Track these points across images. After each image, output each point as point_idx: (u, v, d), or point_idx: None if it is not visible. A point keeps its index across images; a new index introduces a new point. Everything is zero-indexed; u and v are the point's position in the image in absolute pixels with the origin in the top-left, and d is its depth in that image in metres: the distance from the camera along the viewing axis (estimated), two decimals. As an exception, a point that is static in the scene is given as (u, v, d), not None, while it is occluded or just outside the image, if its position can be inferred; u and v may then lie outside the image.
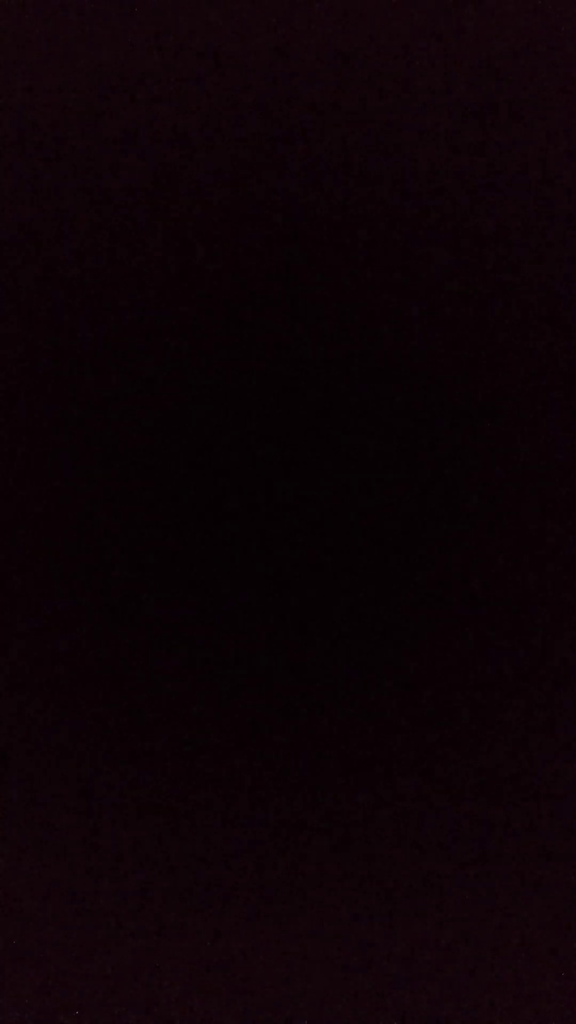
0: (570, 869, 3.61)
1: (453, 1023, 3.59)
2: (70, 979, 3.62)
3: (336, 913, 3.62)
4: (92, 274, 3.69)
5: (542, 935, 3.61)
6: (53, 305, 3.69)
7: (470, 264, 3.68)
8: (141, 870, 3.64)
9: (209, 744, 3.66)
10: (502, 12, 3.68)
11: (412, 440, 3.67)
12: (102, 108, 3.70)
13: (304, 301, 3.68)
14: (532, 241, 3.68)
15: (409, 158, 3.69)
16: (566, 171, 3.68)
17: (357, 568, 3.67)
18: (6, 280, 3.69)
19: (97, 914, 3.63)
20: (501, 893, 3.62)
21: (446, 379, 3.67)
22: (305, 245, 3.69)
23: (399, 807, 3.64)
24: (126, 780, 3.65)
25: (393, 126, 3.69)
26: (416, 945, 3.61)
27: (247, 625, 3.67)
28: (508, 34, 3.68)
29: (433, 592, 3.66)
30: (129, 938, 3.62)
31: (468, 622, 3.65)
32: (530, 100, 3.68)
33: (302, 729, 3.66)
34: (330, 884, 3.62)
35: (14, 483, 3.67)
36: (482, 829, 3.63)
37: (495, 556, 3.66)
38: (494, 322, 3.68)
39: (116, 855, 3.64)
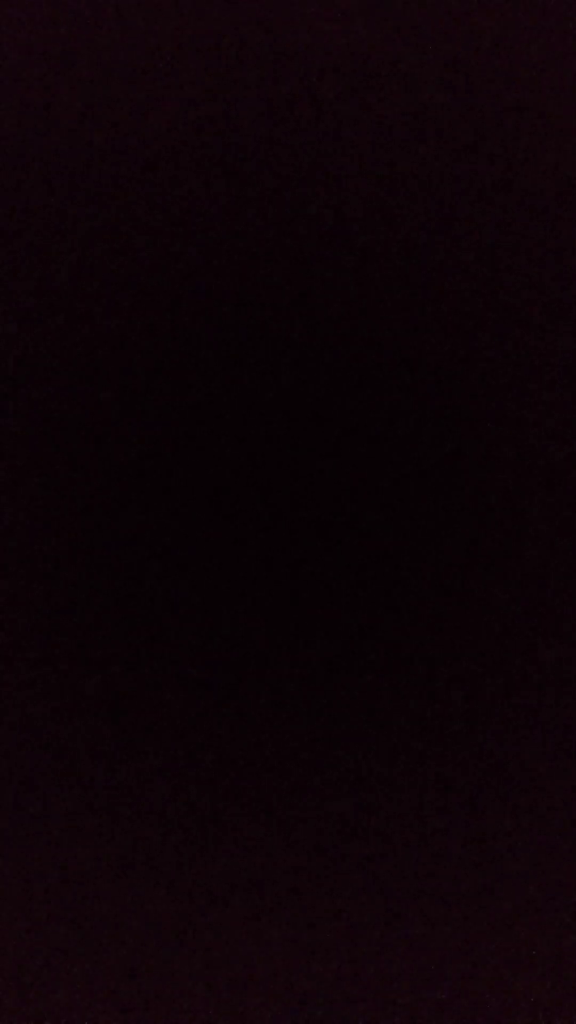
0: (570, 869, 3.62)
1: (453, 1023, 3.59)
2: (70, 979, 3.62)
3: (336, 913, 3.63)
4: (91, 274, 3.70)
5: (542, 935, 3.62)
6: (52, 306, 3.70)
7: (470, 264, 3.69)
8: (140, 869, 3.64)
9: (209, 743, 3.66)
10: (502, 12, 3.69)
11: (411, 439, 3.67)
12: (102, 106, 3.71)
13: (303, 301, 3.68)
14: (532, 242, 3.69)
15: (408, 159, 3.69)
16: (566, 172, 3.69)
17: (356, 568, 3.67)
18: (6, 280, 3.69)
19: (96, 915, 3.64)
20: (502, 892, 3.62)
21: (446, 377, 3.68)
22: (304, 244, 3.69)
23: (399, 805, 3.64)
24: (125, 779, 3.66)
25: (393, 127, 3.70)
26: (416, 945, 3.61)
27: (247, 624, 3.67)
28: (508, 34, 3.69)
29: (433, 592, 3.67)
30: (129, 938, 3.63)
31: (468, 621, 3.66)
32: (530, 102, 3.69)
33: (302, 729, 3.66)
34: (330, 885, 3.63)
35: (14, 483, 3.68)
36: (482, 828, 3.64)
37: (495, 555, 3.67)
38: (494, 323, 3.68)
39: (116, 855, 3.64)
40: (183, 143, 3.71)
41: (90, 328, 3.70)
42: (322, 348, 3.68)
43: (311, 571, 3.67)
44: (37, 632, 3.67)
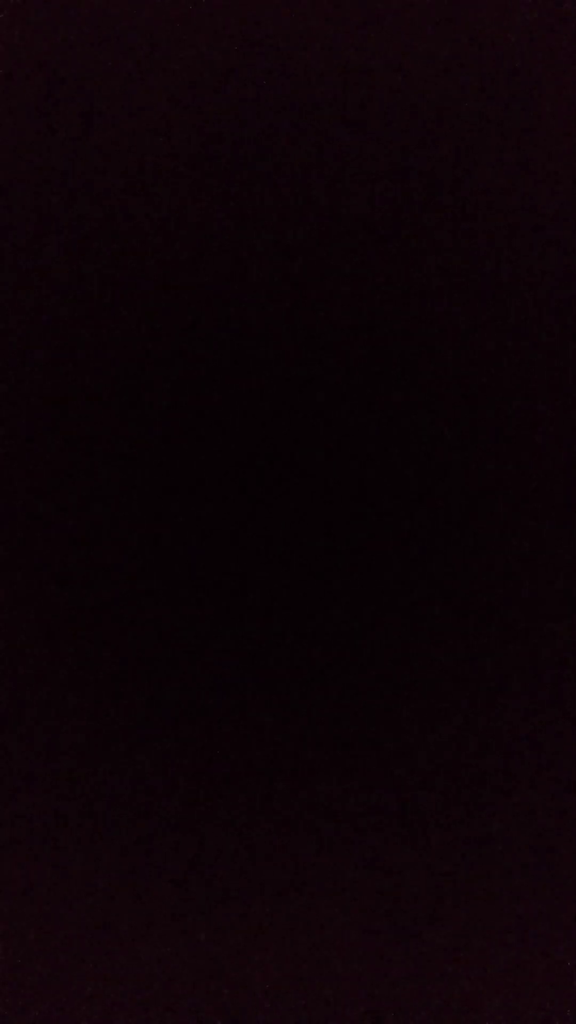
0: (570, 869, 3.62)
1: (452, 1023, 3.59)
2: (70, 979, 3.62)
3: (336, 914, 3.63)
4: (91, 273, 3.70)
5: (542, 935, 3.62)
6: (53, 307, 3.70)
7: (470, 265, 3.69)
8: (141, 869, 3.64)
9: (209, 745, 3.66)
10: (502, 12, 3.68)
11: (411, 442, 3.67)
12: (101, 106, 3.71)
13: (303, 304, 3.68)
14: (532, 242, 3.69)
15: (409, 159, 3.69)
16: (566, 171, 3.68)
17: (357, 574, 3.67)
18: (6, 280, 3.69)
19: (97, 914, 3.64)
20: (503, 893, 3.62)
21: (446, 378, 3.68)
22: (304, 246, 3.69)
23: (400, 805, 3.64)
24: (126, 779, 3.66)
25: (393, 127, 3.70)
26: (416, 945, 3.61)
27: (247, 625, 3.67)
28: (508, 34, 3.69)
29: (433, 593, 3.66)
30: (129, 939, 3.63)
31: (468, 623, 3.66)
32: (530, 101, 3.69)
33: (302, 731, 3.66)
34: (330, 886, 3.63)
35: (14, 483, 3.68)
36: (483, 828, 3.64)
37: (495, 557, 3.67)
38: (494, 323, 3.68)
39: (116, 855, 3.64)
40: (182, 145, 3.71)
41: (90, 327, 3.70)
42: (322, 348, 3.68)
43: (311, 571, 3.67)
44: (36, 632, 3.68)
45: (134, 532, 3.68)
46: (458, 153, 3.69)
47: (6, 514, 3.69)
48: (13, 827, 3.65)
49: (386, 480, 3.67)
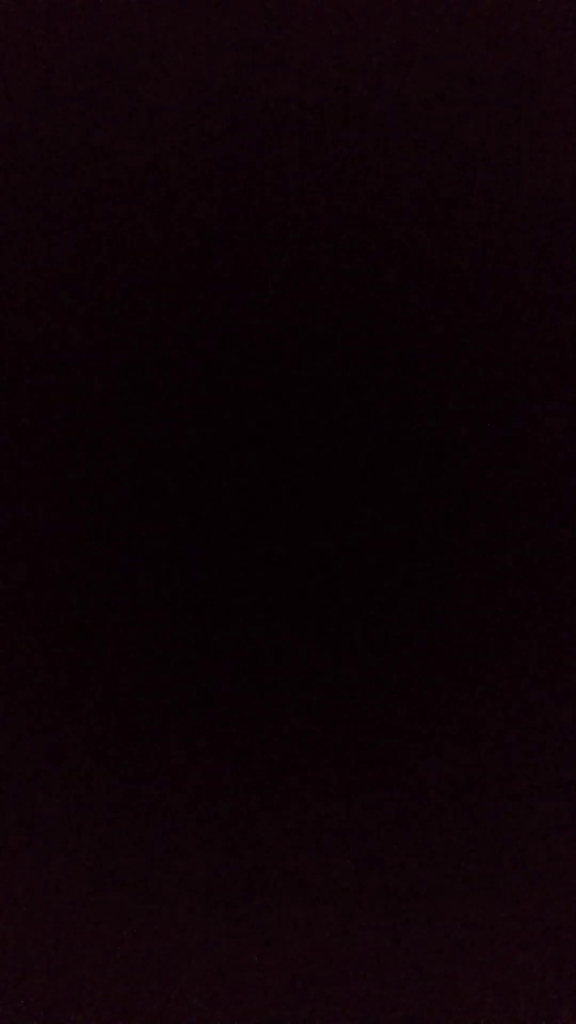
0: (570, 869, 3.62)
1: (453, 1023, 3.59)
2: (70, 979, 3.62)
3: (336, 914, 3.63)
4: (91, 273, 3.70)
5: (542, 934, 3.62)
6: (52, 307, 3.69)
7: (470, 263, 3.69)
8: (141, 870, 3.64)
9: (210, 744, 3.66)
10: (502, 12, 3.68)
11: (411, 442, 3.67)
12: (101, 106, 3.71)
13: (303, 303, 3.68)
14: (532, 240, 3.69)
15: (409, 157, 3.69)
16: (566, 170, 3.69)
17: (356, 576, 3.67)
18: (6, 279, 3.69)
19: (97, 915, 3.64)
20: (502, 893, 3.62)
21: (446, 376, 3.68)
22: (304, 245, 3.69)
23: (400, 804, 3.64)
24: (126, 778, 3.66)
25: (393, 125, 3.70)
26: (416, 947, 3.61)
27: (247, 624, 3.67)
28: (508, 34, 3.69)
29: (433, 592, 3.66)
30: (129, 939, 3.63)
31: (468, 623, 3.66)
32: (530, 99, 3.69)
33: (302, 729, 3.66)
34: (330, 886, 3.63)
35: (14, 484, 3.68)
36: (483, 828, 3.64)
37: (495, 557, 3.67)
38: (494, 322, 3.68)
39: (117, 856, 3.64)
40: (182, 146, 3.71)
41: (90, 327, 3.70)
42: (321, 347, 3.68)
43: (310, 570, 3.67)
44: (36, 632, 3.67)
45: (133, 532, 3.68)
46: (458, 153, 3.69)
47: (6, 514, 3.69)
48: (13, 827, 3.65)
49: (386, 480, 3.67)
